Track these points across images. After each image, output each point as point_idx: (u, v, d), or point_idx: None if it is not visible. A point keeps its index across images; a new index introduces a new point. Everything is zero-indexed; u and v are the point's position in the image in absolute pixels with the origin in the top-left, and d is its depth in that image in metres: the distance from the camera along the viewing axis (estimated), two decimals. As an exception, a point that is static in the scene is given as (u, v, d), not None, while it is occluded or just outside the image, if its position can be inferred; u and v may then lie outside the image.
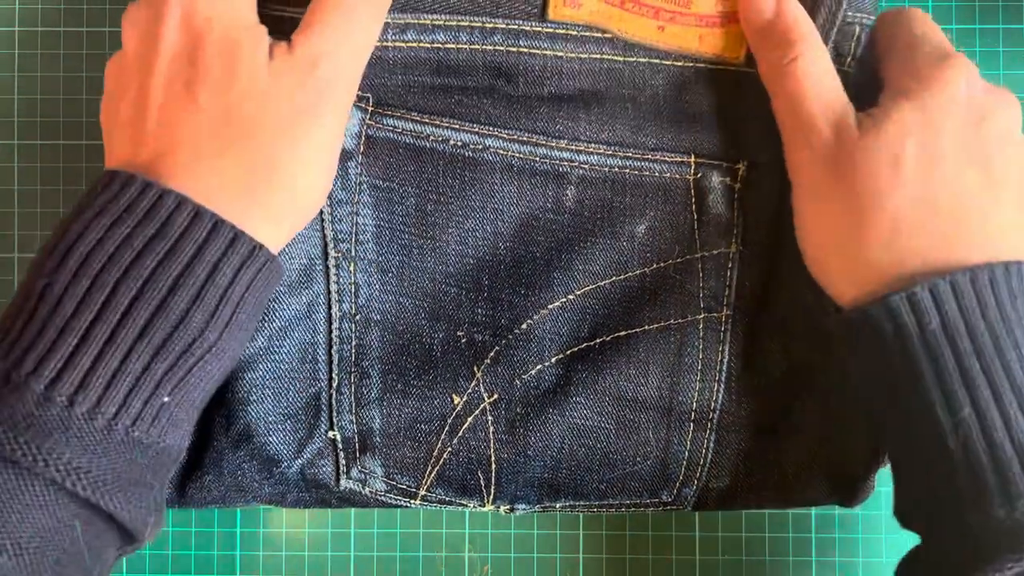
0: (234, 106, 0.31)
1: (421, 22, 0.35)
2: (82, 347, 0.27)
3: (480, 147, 0.36)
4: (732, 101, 0.36)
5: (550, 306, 0.37)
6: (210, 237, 0.29)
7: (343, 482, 0.37)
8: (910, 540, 0.32)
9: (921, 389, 0.30)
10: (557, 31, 0.35)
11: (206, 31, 0.31)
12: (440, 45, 0.35)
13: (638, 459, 0.37)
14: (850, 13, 0.34)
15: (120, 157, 0.31)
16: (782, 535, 0.41)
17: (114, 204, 0.29)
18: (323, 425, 0.37)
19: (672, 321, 0.37)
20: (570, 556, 0.41)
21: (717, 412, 0.37)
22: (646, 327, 0.37)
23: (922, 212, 0.31)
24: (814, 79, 0.33)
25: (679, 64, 0.36)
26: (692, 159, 0.36)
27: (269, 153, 0.31)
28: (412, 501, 0.38)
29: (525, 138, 0.36)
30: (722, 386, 0.37)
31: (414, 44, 0.35)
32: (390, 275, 0.37)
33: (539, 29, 0.35)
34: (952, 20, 0.40)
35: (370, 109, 0.36)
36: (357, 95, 0.35)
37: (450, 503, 0.38)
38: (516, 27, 0.35)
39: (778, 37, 0.33)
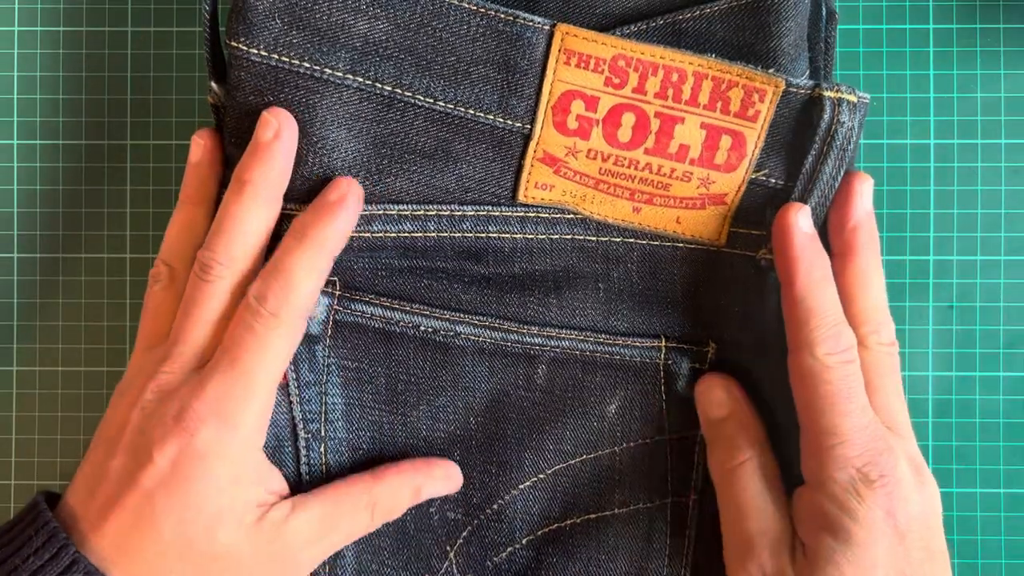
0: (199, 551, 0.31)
1: (387, 212, 0.34)
2: None
3: (451, 333, 0.36)
4: (707, 280, 0.36)
5: (521, 485, 0.37)
6: None
7: None
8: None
9: None
10: (527, 214, 0.35)
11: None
12: (407, 234, 0.34)
13: None
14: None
15: (77, 494, 0.31)
16: None
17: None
18: None
19: (641, 505, 0.37)
20: None
21: None
22: (616, 510, 0.37)
23: None
24: (756, 491, 0.33)
25: (655, 243, 0.35)
26: (663, 343, 0.36)
27: None
28: None
29: (496, 324, 0.36)
30: (689, 571, 0.37)
31: (380, 235, 0.34)
32: (360, 452, 0.36)
33: (509, 213, 0.35)
34: (952, 20, 0.40)
35: (337, 294, 0.35)
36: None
37: None
38: (485, 213, 0.34)
39: (728, 438, 0.34)
